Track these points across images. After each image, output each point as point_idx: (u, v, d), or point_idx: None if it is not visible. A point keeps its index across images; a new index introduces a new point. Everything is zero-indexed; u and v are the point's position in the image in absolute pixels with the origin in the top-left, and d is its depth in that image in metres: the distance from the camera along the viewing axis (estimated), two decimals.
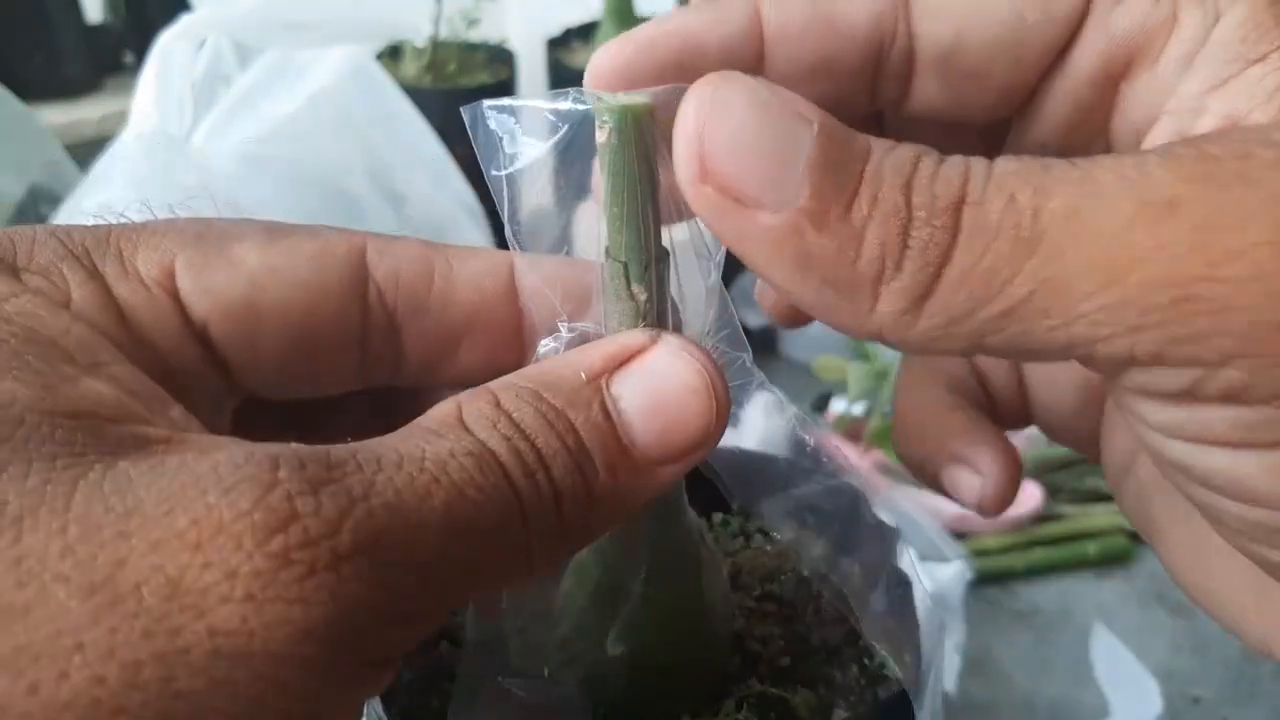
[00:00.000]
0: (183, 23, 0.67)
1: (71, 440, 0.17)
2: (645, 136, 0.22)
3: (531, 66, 1.10)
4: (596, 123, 0.22)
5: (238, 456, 0.17)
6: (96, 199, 0.65)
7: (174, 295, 0.21)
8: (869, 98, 0.24)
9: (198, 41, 0.70)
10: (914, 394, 0.31)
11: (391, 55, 1.03)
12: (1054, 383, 0.30)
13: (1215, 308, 0.16)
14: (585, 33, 1.16)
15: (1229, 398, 0.17)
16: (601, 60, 0.22)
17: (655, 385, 0.21)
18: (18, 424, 0.17)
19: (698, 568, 0.27)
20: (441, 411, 0.20)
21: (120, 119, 0.68)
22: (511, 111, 0.23)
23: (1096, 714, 0.62)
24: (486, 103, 0.22)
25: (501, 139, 0.22)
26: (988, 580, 0.68)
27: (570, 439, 0.20)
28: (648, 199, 0.22)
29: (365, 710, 0.29)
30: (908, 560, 0.31)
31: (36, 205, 0.79)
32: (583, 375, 0.21)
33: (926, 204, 0.18)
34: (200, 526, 0.16)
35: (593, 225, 0.24)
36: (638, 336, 0.22)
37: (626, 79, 0.22)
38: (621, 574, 0.26)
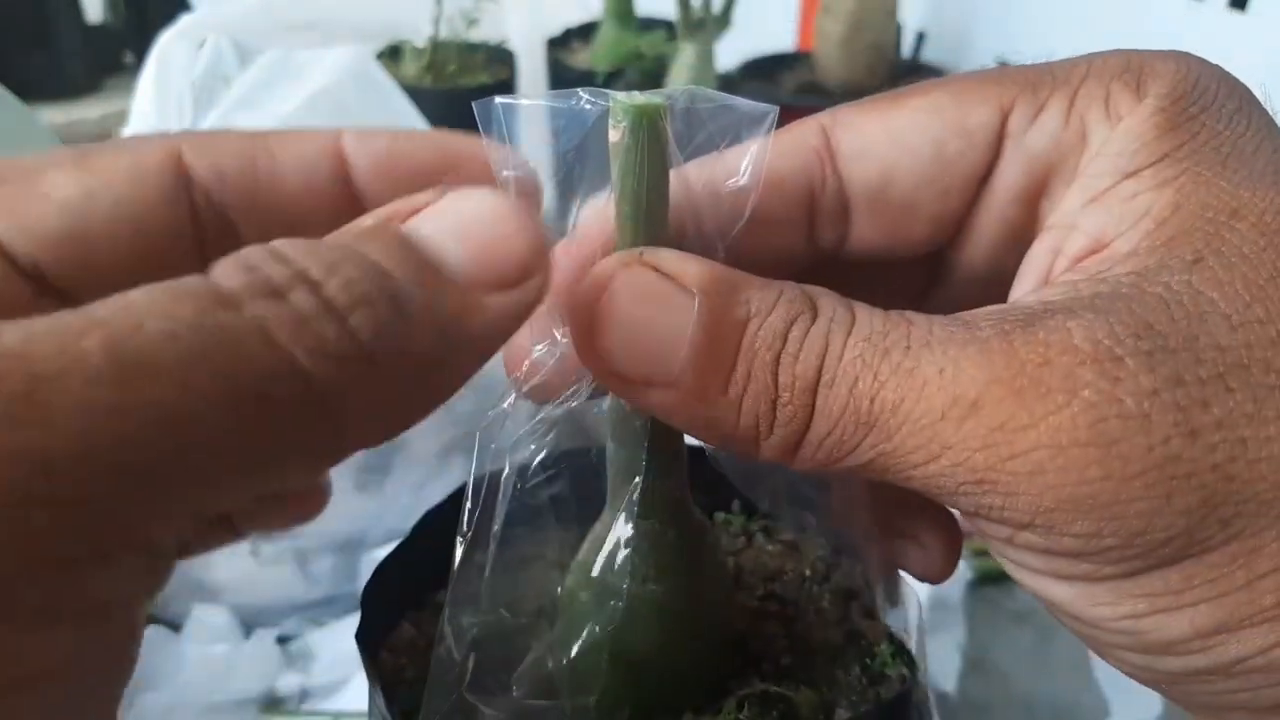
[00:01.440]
0: (183, 23, 0.67)
1: None
2: (658, 137, 0.22)
3: (531, 66, 1.10)
4: (610, 122, 0.22)
5: None
6: None
7: None
8: (808, 244, 0.26)
9: (198, 41, 0.69)
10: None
11: (391, 55, 1.03)
12: None
13: (1007, 491, 0.19)
14: (585, 33, 1.16)
15: (1032, 548, 0.21)
16: None
17: (458, 216, 0.19)
18: None
19: (702, 566, 0.27)
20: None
21: (120, 119, 0.68)
22: (522, 109, 0.23)
23: (1096, 714, 0.62)
24: (498, 99, 0.22)
25: (512, 136, 0.22)
26: (988, 580, 0.68)
27: (355, 263, 0.16)
28: (659, 198, 0.23)
29: (369, 708, 0.29)
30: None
31: None
32: (368, 223, 0.19)
33: (789, 385, 0.21)
34: None
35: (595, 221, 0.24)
36: (429, 194, 0.19)
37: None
38: (625, 572, 0.26)
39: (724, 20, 1.00)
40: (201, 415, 0.14)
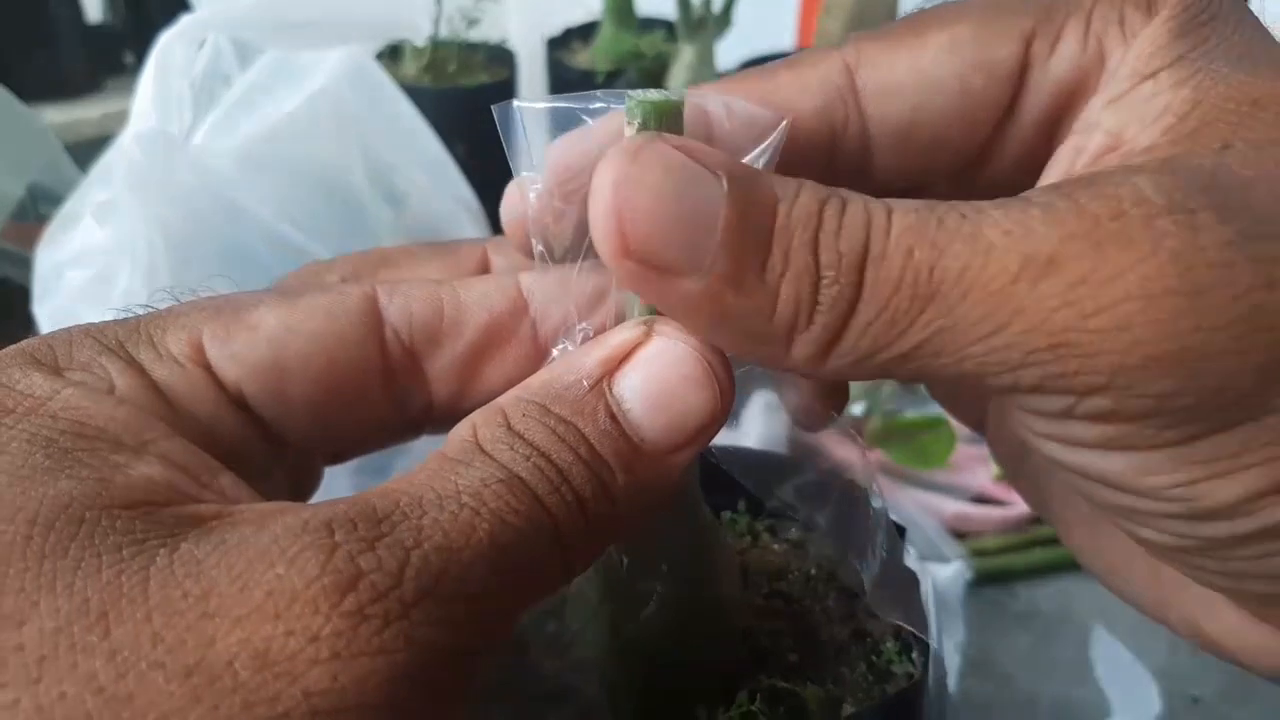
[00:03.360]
0: (183, 23, 0.67)
1: (131, 529, 0.18)
2: (674, 133, 0.22)
3: (531, 66, 1.10)
4: (625, 119, 0.22)
5: (293, 525, 0.18)
6: (96, 198, 0.65)
7: (205, 367, 0.23)
8: (826, 177, 0.25)
9: (198, 41, 0.69)
10: None
11: (391, 55, 1.03)
12: None
13: (1086, 352, 0.18)
14: (585, 33, 1.16)
15: (1096, 418, 0.20)
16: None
17: (655, 379, 0.22)
18: (79, 522, 0.18)
19: (712, 562, 0.27)
20: (459, 437, 0.21)
21: (120, 119, 0.68)
22: (543, 112, 0.23)
23: (1096, 714, 0.62)
24: (517, 102, 0.22)
25: (530, 139, 0.23)
26: (988, 580, 0.68)
27: (583, 449, 0.21)
28: None
29: None
30: (913, 559, 0.31)
31: (36, 205, 0.78)
32: (585, 383, 0.22)
33: (834, 262, 0.19)
34: (275, 597, 0.17)
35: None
36: (631, 331, 0.22)
37: None
38: (636, 568, 0.26)
39: (724, 20, 1.00)
40: (511, 584, 0.20)
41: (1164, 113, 0.21)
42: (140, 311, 0.24)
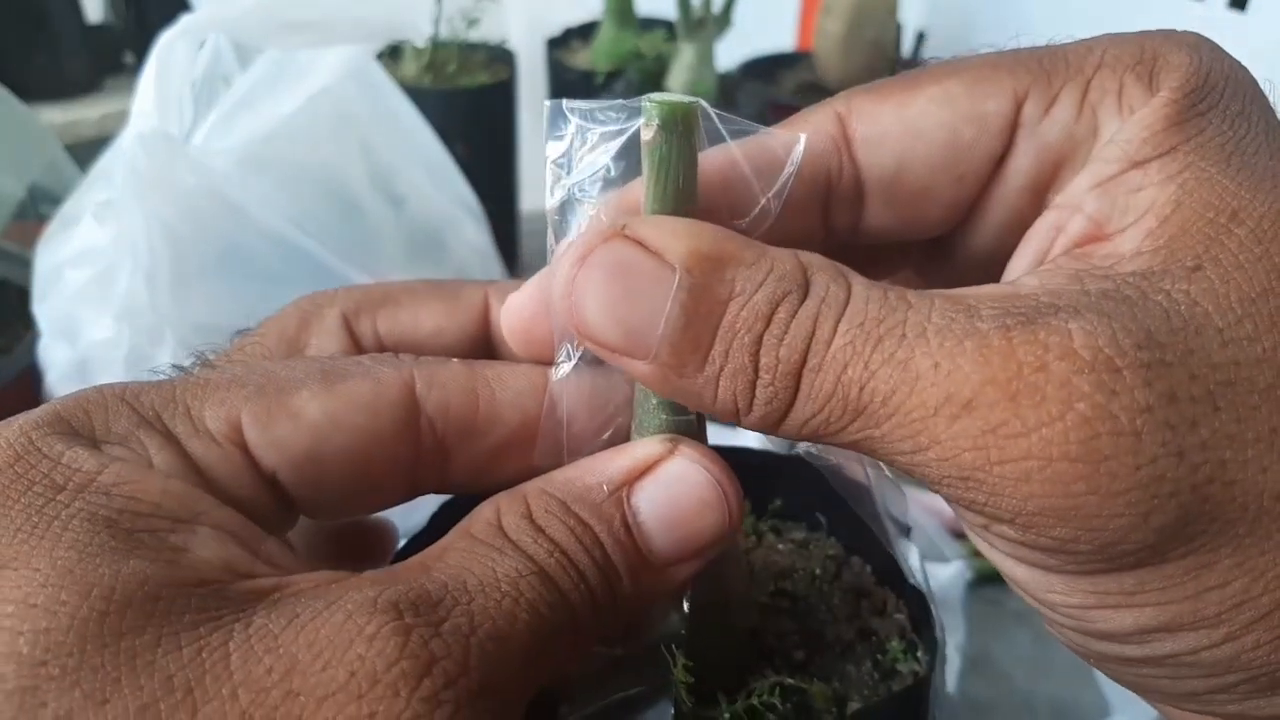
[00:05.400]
0: (183, 23, 0.67)
1: (206, 606, 0.19)
2: (691, 136, 0.22)
3: (531, 66, 1.10)
4: (643, 120, 0.22)
5: (364, 604, 0.19)
6: (96, 198, 0.65)
7: (243, 448, 0.23)
8: (823, 227, 0.26)
9: (198, 41, 0.69)
10: None
11: (391, 55, 1.03)
12: None
13: (993, 492, 0.20)
14: (585, 33, 1.16)
15: (1006, 539, 0.21)
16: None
17: (672, 498, 0.23)
18: (155, 600, 0.19)
19: (719, 560, 0.27)
20: (484, 519, 0.22)
21: (120, 119, 0.68)
22: (587, 112, 0.23)
23: (1096, 714, 0.62)
24: (565, 103, 0.23)
25: (572, 137, 0.23)
26: (988, 580, 0.68)
27: (597, 552, 0.22)
28: (689, 197, 0.23)
29: None
30: (915, 560, 0.31)
31: (36, 205, 0.79)
32: (605, 488, 0.23)
33: (771, 366, 0.21)
34: (359, 679, 0.18)
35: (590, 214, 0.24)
36: (656, 447, 0.24)
37: None
38: None
39: (724, 20, 1.00)
40: (542, 665, 0.21)
41: (1147, 212, 0.21)
42: (174, 374, 0.25)
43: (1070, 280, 0.21)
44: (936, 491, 0.21)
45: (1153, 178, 0.22)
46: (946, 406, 0.19)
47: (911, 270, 0.30)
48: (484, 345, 0.29)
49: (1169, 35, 0.24)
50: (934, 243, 0.27)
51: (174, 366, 0.25)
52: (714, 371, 0.21)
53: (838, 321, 0.20)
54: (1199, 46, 0.23)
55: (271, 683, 0.18)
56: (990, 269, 0.25)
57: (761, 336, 0.21)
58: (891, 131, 0.24)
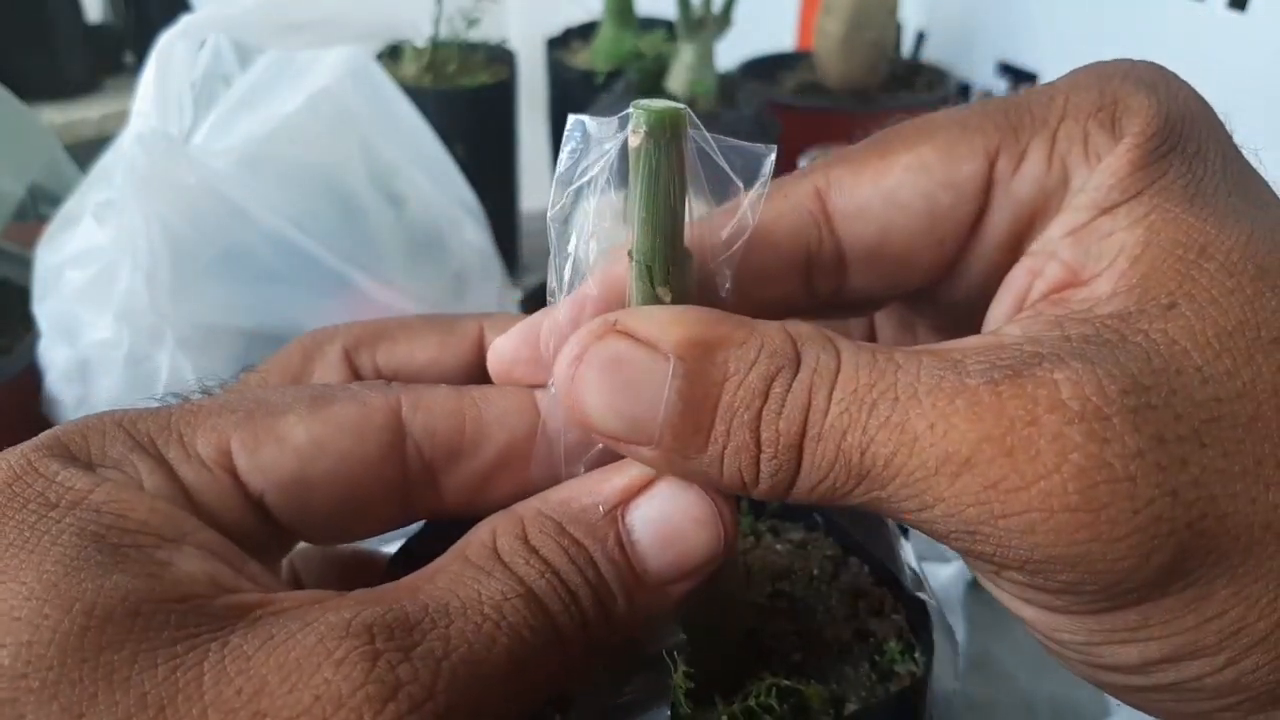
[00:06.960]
0: (183, 23, 0.67)
1: (184, 623, 0.19)
2: (678, 142, 0.22)
3: (531, 66, 1.10)
4: (631, 127, 0.22)
5: (337, 627, 0.19)
6: (96, 198, 0.65)
7: (232, 473, 0.23)
8: (806, 293, 0.27)
9: (198, 41, 0.69)
10: None
11: (391, 55, 1.03)
12: None
13: (999, 544, 0.20)
14: (585, 33, 1.16)
15: (1012, 582, 0.22)
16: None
17: (666, 518, 0.23)
18: (135, 615, 0.19)
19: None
20: (479, 541, 0.23)
21: (120, 119, 0.68)
22: (595, 123, 0.23)
23: (1096, 714, 0.62)
24: (584, 118, 0.23)
25: (577, 148, 0.24)
26: None
27: (590, 573, 0.22)
28: (676, 203, 0.23)
29: None
30: (912, 558, 0.31)
31: (36, 205, 0.79)
32: (600, 508, 0.23)
33: (772, 440, 0.21)
34: (323, 702, 0.18)
35: (589, 222, 0.24)
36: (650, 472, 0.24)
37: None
38: None
39: (724, 20, 1.00)
40: (523, 690, 0.21)
41: (1118, 255, 0.22)
42: (173, 401, 0.25)
43: (1051, 326, 0.22)
44: (946, 544, 0.21)
45: (1121, 222, 0.23)
46: (946, 465, 0.20)
47: (893, 327, 0.31)
48: (480, 376, 0.29)
49: (1128, 73, 0.24)
50: (916, 290, 0.27)
51: (174, 395, 0.26)
52: (718, 451, 0.22)
53: (831, 390, 0.21)
54: (1156, 86, 0.24)
55: (240, 704, 0.18)
56: (972, 316, 0.26)
57: (760, 413, 0.21)
58: (871, 204, 0.25)
